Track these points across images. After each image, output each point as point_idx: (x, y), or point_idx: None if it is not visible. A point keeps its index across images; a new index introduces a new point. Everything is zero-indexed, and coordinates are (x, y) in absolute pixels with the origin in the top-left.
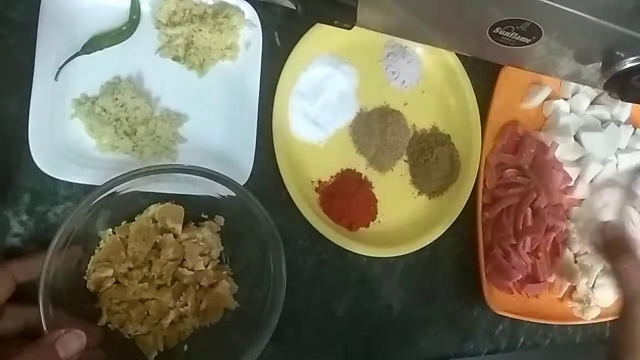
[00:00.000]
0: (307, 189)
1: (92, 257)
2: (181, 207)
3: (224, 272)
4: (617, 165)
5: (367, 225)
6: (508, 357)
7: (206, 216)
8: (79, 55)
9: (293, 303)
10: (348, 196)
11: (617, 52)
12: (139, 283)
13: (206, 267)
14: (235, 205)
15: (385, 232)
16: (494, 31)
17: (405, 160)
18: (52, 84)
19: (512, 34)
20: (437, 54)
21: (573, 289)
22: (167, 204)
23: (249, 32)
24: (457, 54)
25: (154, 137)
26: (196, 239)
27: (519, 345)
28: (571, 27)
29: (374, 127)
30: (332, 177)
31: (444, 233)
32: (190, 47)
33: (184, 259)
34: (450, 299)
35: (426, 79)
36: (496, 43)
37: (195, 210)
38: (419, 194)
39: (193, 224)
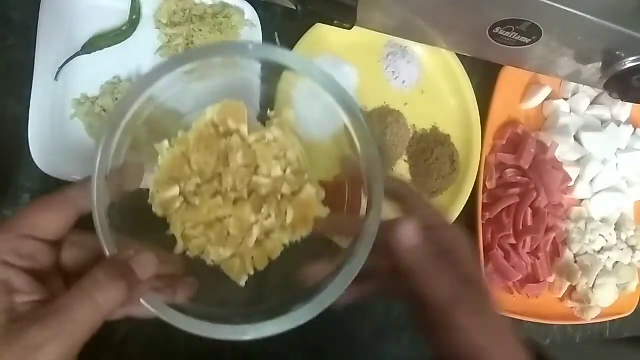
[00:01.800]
0: None
1: (151, 178)
2: (242, 102)
3: (306, 176)
4: (617, 165)
5: None
6: None
7: (273, 113)
8: (79, 55)
9: None
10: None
11: (617, 52)
12: (212, 199)
13: (284, 172)
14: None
15: None
16: (494, 31)
17: (405, 160)
18: (52, 84)
19: (512, 34)
20: (437, 54)
21: (573, 289)
22: (225, 101)
23: (249, 32)
24: (457, 54)
25: (157, 132)
26: (267, 140)
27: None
28: (571, 27)
29: (374, 127)
30: (332, 177)
31: None
32: (190, 47)
33: (258, 166)
34: None
35: (426, 79)
36: (496, 43)
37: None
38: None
39: (260, 123)
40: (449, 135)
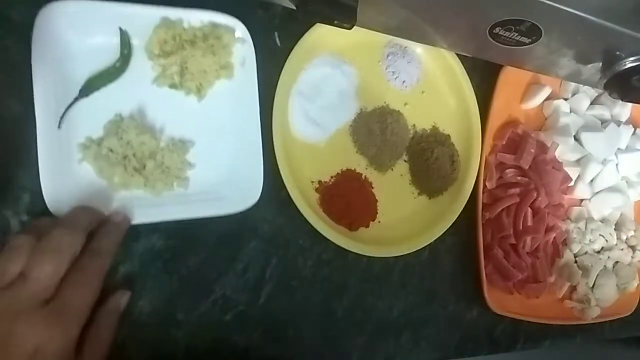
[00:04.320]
0: (307, 189)
1: None
2: None
3: None
4: (617, 165)
5: (367, 225)
6: (508, 357)
7: None
8: (78, 100)
9: (293, 303)
10: (348, 196)
11: (617, 52)
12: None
13: None
14: None
15: (385, 232)
16: (494, 31)
17: (405, 160)
18: (56, 133)
19: (512, 34)
20: (437, 54)
21: (573, 289)
22: None
23: (242, 49)
24: (457, 54)
25: (163, 169)
26: None
27: (519, 345)
28: (571, 27)
29: (374, 127)
30: (332, 177)
31: (444, 233)
32: (185, 72)
33: None
34: (450, 299)
35: (426, 79)
36: (496, 43)
37: None
38: (419, 194)
39: None
40: (449, 135)
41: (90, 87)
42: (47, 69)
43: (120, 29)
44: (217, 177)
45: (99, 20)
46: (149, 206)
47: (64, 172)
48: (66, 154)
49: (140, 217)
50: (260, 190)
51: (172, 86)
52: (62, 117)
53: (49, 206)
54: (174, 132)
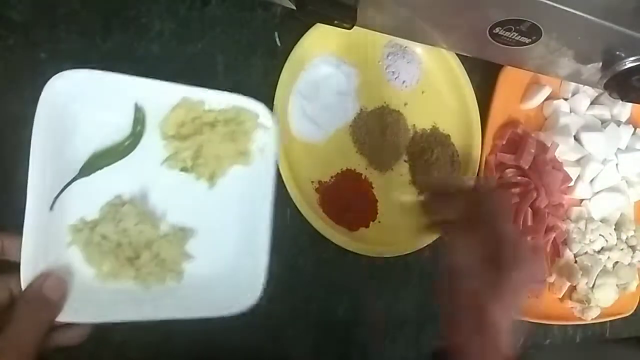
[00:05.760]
0: (307, 189)
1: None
2: None
3: None
4: (617, 165)
5: (367, 226)
6: None
7: None
8: (76, 180)
9: (293, 303)
10: (348, 196)
11: (617, 52)
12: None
13: None
14: None
15: (385, 232)
16: (494, 31)
17: (405, 160)
18: (47, 213)
19: (512, 34)
20: (437, 54)
21: (573, 289)
22: None
23: (264, 136)
24: (457, 54)
25: (158, 262)
26: None
27: (519, 346)
28: (571, 27)
29: (374, 127)
30: (332, 177)
31: None
32: (199, 156)
33: None
34: None
35: (426, 79)
36: (496, 43)
37: None
38: (419, 194)
39: None
40: (449, 135)
41: (92, 165)
42: (49, 140)
43: (136, 106)
44: (214, 274)
45: (112, 93)
46: (133, 301)
47: (48, 256)
48: (54, 236)
49: (123, 315)
50: (260, 293)
51: (183, 170)
52: (56, 198)
53: (23, 286)
54: (175, 219)
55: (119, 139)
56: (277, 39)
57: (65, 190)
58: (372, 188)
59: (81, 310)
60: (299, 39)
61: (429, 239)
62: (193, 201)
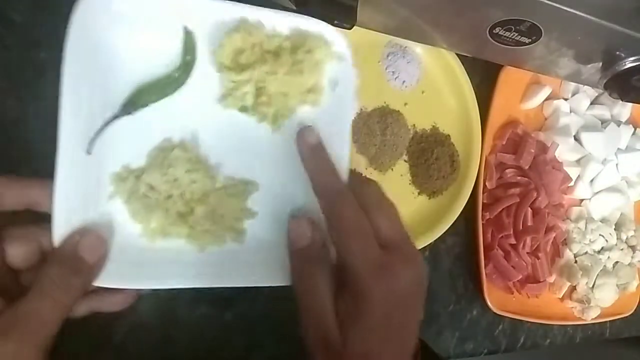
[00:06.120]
0: None
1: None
2: None
3: None
4: (617, 165)
5: None
6: (508, 357)
7: None
8: (118, 118)
9: (293, 302)
10: None
11: (617, 52)
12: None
13: None
14: None
15: None
16: (494, 31)
17: (405, 160)
18: (83, 159)
19: (512, 34)
20: (437, 54)
21: (573, 289)
22: None
23: (337, 68)
24: (457, 54)
25: (215, 218)
26: None
27: (519, 345)
28: (571, 27)
29: (374, 127)
30: None
31: (444, 233)
32: (261, 93)
33: None
34: (450, 299)
35: (426, 79)
36: (496, 43)
37: None
38: (419, 194)
39: None
40: (449, 135)
41: (135, 101)
42: (84, 70)
43: (185, 29)
44: (281, 233)
45: (155, 14)
46: (187, 264)
47: (87, 210)
48: (93, 187)
49: (174, 280)
50: None
51: (242, 109)
52: (93, 139)
53: (55, 242)
54: (234, 170)
55: (165, 70)
56: None
57: (105, 132)
58: None
59: (123, 274)
60: None
61: (429, 239)
62: (254, 148)
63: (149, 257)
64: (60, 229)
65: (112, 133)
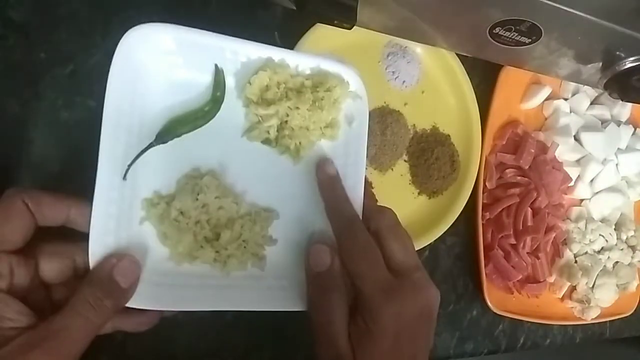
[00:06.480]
0: None
1: None
2: None
3: None
4: (617, 165)
5: None
6: (508, 357)
7: None
8: (153, 146)
9: None
10: None
11: (617, 52)
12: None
13: None
14: None
15: None
16: (494, 31)
17: (405, 160)
18: (120, 184)
19: (512, 34)
20: (437, 54)
21: (573, 289)
22: None
23: (353, 105)
24: (457, 54)
25: (239, 243)
26: None
27: (519, 345)
28: (571, 27)
29: (374, 127)
30: None
31: (444, 233)
32: (284, 127)
33: None
34: (450, 299)
35: (426, 79)
36: (496, 43)
37: None
38: (419, 194)
39: None
40: (449, 135)
41: (169, 132)
42: (123, 103)
43: (216, 67)
44: (299, 259)
45: (191, 51)
46: (211, 288)
47: (120, 233)
48: (126, 211)
49: (198, 303)
50: None
51: (266, 142)
52: (129, 166)
53: (90, 261)
54: (257, 198)
55: (196, 104)
56: (277, 39)
57: (139, 160)
58: (372, 188)
59: (150, 296)
60: (299, 39)
61: (429, 239)
62: (276, 179)
63: (175, 280)
64: (96, 249)
65: (145, 160)
